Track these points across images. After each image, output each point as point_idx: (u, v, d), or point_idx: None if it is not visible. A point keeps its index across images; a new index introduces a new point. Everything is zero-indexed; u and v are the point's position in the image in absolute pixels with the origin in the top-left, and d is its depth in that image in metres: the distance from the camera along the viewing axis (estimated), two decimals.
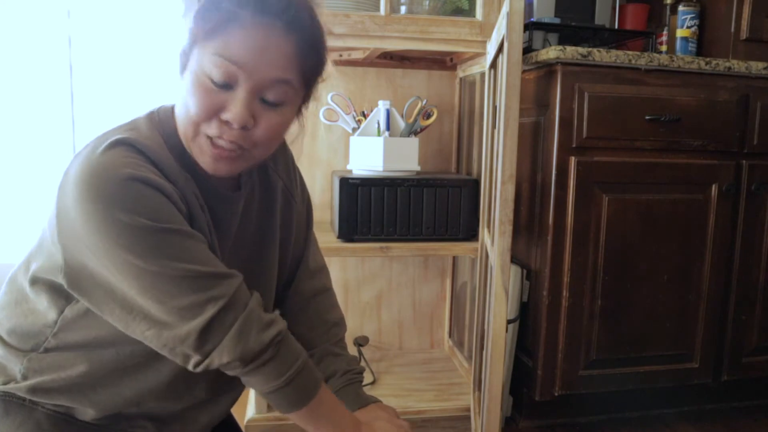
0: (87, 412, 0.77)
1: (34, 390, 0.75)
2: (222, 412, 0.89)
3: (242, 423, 1.53)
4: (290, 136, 0.82)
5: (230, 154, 0.71)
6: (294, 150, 0.94)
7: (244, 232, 0.84)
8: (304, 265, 0.97)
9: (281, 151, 0.92)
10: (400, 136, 1.65)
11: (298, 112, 0.79)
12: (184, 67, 0.72)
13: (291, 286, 0.96)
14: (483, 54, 1.55)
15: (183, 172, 0.74)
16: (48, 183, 1.73)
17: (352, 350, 1.90)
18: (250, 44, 0.68)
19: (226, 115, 0.69)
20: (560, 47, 1.44)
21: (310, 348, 0.93)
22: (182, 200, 0.71)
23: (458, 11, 1.63)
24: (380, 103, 1.65)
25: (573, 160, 1.49)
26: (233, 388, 0.88)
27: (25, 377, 0.76)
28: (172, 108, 0.77)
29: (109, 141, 0.68)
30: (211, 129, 0.70)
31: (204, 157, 0.72)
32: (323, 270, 1.01)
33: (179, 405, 0.82)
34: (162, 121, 0.76)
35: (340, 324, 0.97)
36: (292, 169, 0.94)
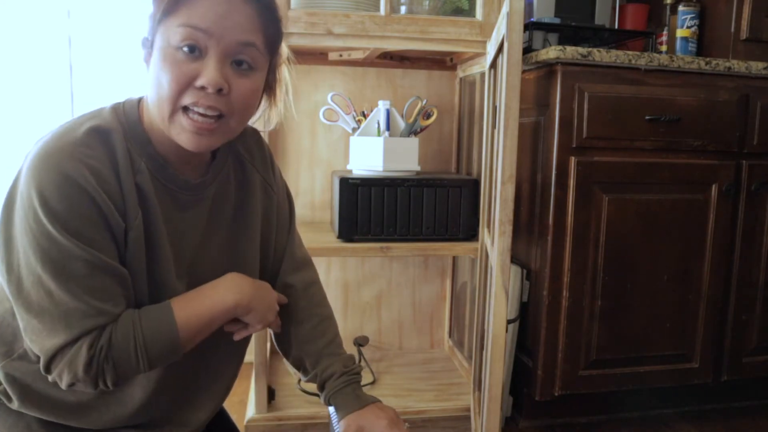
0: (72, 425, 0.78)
1: (21, 399, 0.76)
2: (211, 408, 0.89)
3: (242, 423, 1.53)
4: (259, 111, 0.85)
5: (210, 125, 0.72)
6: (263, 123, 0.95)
7: (218, 219, 0.85)
8: (290, 257, 0.97)
9: (258, 146, 0.93)
10: (400, 136, 1.65)
11: (266, 85, 0.82)
12: (149, 53, 0.74)
13: (278, 280, 0.96)
14: (483, 54, 1.55)
15: (139, 161, 0.75)
16: None
17: (353, 350, 1.91)
18: (213, 10, 0.70)
19: (200, 81, 0.70)
20: (560, 47, 1.44)
21: (304, 344, 0.93)
22: (119, 196, 0.72)
23: (458, 11, 1.63)
24: (380, 103, 1.65)
25: (573, 160, 1.49)
26: (215, 381, 0.89)
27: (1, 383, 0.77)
28: (138, 100, 0.79)
29: (80, 126, 0.71)
30: (188, 98, 0.71)
31: (185, 134, 0.73)
32: (309, 263, 1.01)
33: (171, 408, 0.83)
34: (126, 111, 0.77)
35: (330, 318, 0.97)
36: (270, 164, 0.95)
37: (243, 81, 0.74)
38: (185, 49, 0.70)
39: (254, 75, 0.75)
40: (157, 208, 0.76)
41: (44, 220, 0.66)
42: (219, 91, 0.71)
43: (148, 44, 0.74)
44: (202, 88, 0.70)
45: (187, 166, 0.81)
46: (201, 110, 0.71)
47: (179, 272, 0.80)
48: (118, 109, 0.77)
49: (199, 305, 0.77)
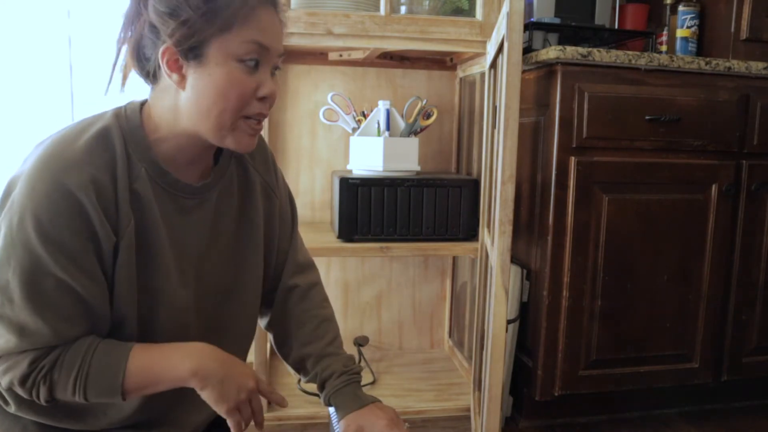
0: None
1: (17, 403, 0.76)
2: (208, 411, 0.89)
3: None
4: None
5: (261, 126, 0.79)
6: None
7: (222, 223, 0.85)
8: (292, 260, 0.97)
9: (260, 148, 0.93)
10: (400, 136, 1.65)
11: None
12: (188, 64, 0.72)
13: (280, 283, 0.96)
14: (483, 54, 1.55)
15: (139, 167, 0.75)
16: None
17: (353, 350, 1.91)
18: (269, 27, 0.75)
19: (263, 92, 0.75)
20: (560, 47, 1.44)
21: (304, 346, 0.93)
22: (113, 205, 0.71)
23: (458, 11, 1.63)
24: (380, 103, 1.65)
25: (573, 160, 1.49)
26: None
27: None
28: (141, 104, 0.79)
29: (81, 133, 0.72)
30: (253, 108, 0.76)
31: (244, 138, 0.77)
32: (311, 265, 1.01)
33: (165, 412, 0.83)
34: (128, 116, 0.77)
35: (331, 319, 0.97)
36: (272, 166, 0.95)
37: (275, 82, 0.79)
38: (250, 63, 0.74)
39: (276, 75, 0.81)
40: (156, 213, 0.76)
41: (29, 228, 0.66)
42: None
43: (191, 56, 0.72)
44: (264, 98, 0.76)
45: (192, 169, 0.81)
46: (260, 117, 0.77)
47: (184, 280, 0.80)
48: (120, 115, 0.77)
49: (155, 361, 0.73)
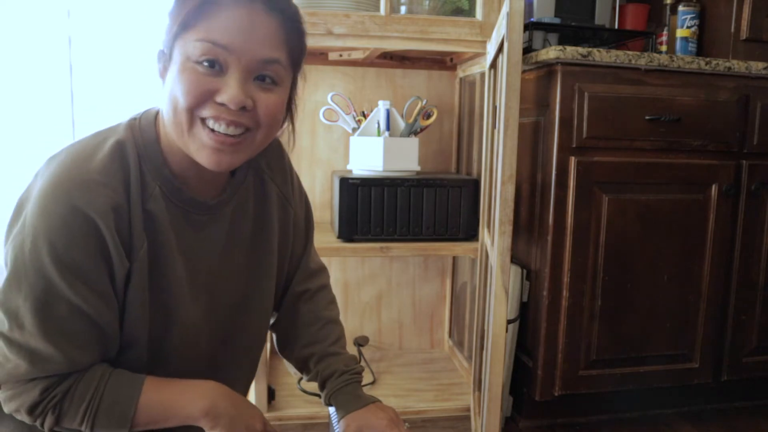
0: None
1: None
2: None
3: None
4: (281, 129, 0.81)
5: (233, 140, 0.69)
6: (285, 142, 0.93)
7: (237, 238, 0.83)
8: (304, 267, 0.96)
9: (277, 158, 0.90)
10: (400, 136, 1.65)
11: (289, 99, 0.78)
12: (165, 68, 0.71)
13: (288, 290, 0.95)
14: (483, 54, 1.55)
15: (153, 185, 0.72)
16: None
17: (352, 350, 1.91)
18: (233, 25, 0.66)
19: (221, 98, 0.67)
20: (560, 47, 1.44)
21: (308, 346, 0.93)
22: (127, 226, 0.69)
23: (458, 11, 1.63)
24: (380, 103, 1.65)
25: (573, 160, 1.49)
26: None
27: None
28: (155, 115, 0.76)
29: (96, 150, 0.69)
30: (207, 111, 0.68)
31: (204, 150, 0.69)
32: (322, 270, 1.01)
33: None
34: (143, 128, 0.74)
35: (336, 321, 0.97)
36: (290, 176, 0.92)
37: (267, 95, 0.70)
38: (205, 63, 0.67)
39: (278, 89, 0.72)
40: (170, 232, 0.74)
41: (42, 253, 0.64)
42: (242, 108, 0.68)
43: (164, 59, 0.70)
44: (223, 104, 0.67)
45: (206, 184, 0.78)
46: (222, 129, 0.68)
47: (196, 295, 0.78)
48: (134, 127, 0.74)
49: (166, 397, 0.72)
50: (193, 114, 0.68)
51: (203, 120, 0.68)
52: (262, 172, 0.87)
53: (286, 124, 0.81)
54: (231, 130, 0.69)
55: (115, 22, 1.80)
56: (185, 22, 0.67)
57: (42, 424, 0.69)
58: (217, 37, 0.66)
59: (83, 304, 0.66)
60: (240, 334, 0.86)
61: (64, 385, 0.68)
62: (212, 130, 0.68)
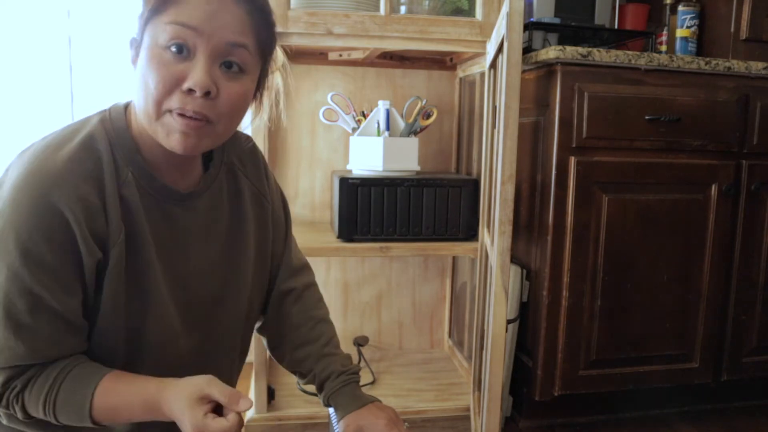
0: None
1: (9, 417, 0.75)
2: None
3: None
4: (247, 117, 0.82)
5: (197, 124, 0.69)
6: (259, 139, 0.92)
7: (212, 234, 0.84)
8: (287, 264, 0.96)
9: (251, 155, 0.91)
10: (400, 136, 1.65)
11: (256, 89, 0.79)
12: (137, 54, 0.72)
13: (274, 289, 0.95)
14: (483, 54, 1.55)
15: (126, 171, 0.73)
16: None
17: (352, 350, 1.91)
18: (202, 8, 0.68)
19: (187, 83, 0.68)
20: (560, 47, 1.44)
21: (301, 347, 0.93)
22: (102, 216, 0.70)
23: (458, 11, 1.63)
24: (380, 103, 1.65)
25: (573, 160, 1.49)
26: None
27: None
28: (125, 106, 0.77)
29: (66, 142, 0.70)
30: (174, 102, 0.68)
31: (172, 135, 0.70)
32: (306, 267, 1.00)
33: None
34: (113, 119, 0.75)
35: (326, 320, 0.97)
36: (264, 173, 0.93)
37: (232, 84, 0.71)
38: (173, 48, 0.68)
39: (244, 78, 0.73)
40: (144, 220, 0.74)
41: (9, 244, 0.65)
42: (207, 94, 0.69)
43: (136, 44, 0.72)
44: (190, 91, 0.68)
45: (178, 174, 0.79)
46: (188, 115, 0.69)
47: (172, 289, 0.78)
48: (105, 119, 0.75)
49: (121, 396, 0.71)
50: (161, 106, 0.69)
51: (170, 111, 0.69)
52: (234, 167, 0.88)
53: (262, 114, 0.84)
54: (195, 117, 0.70)
55: (115, 22, 1.80)
56: (156, 7, 0.69)
57: (14, 414, 0.71)
58: (186, 19, 0.67)
59: (47, 295, 0.67)
60: (218, 331, 0.86)
61: (25, 376, 0.69)
62: (178, 115, 0.69)
